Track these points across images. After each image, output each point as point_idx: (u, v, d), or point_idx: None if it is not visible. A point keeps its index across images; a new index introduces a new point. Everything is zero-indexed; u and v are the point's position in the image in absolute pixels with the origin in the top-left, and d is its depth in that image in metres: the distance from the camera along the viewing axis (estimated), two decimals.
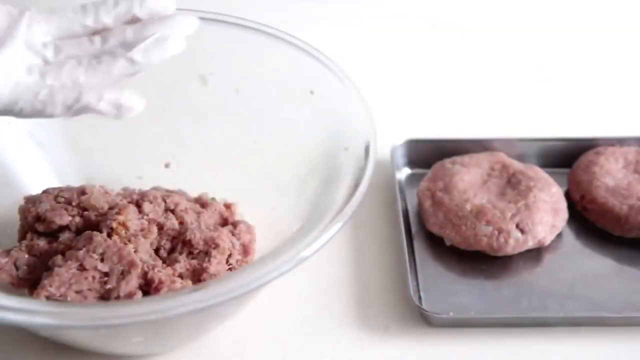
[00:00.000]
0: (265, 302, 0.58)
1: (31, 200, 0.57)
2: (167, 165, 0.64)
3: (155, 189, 0.61)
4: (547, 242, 0.64)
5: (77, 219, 0.56)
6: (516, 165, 0.68)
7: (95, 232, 0.53)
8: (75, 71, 0.45)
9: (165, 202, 0.58)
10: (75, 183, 0.60)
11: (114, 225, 0.54)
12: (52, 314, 0.43)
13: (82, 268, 0.51)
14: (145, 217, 0.56)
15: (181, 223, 0.57)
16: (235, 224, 0.59)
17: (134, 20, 0.47)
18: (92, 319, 0.44)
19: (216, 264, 0.54)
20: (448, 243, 0.64)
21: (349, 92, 0.58)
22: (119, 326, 0.46)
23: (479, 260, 0.63)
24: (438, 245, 0.65)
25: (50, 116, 0.44)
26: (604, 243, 0.66)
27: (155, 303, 0.45)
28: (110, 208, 0.56)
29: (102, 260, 0.52)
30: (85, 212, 0.56)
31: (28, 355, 0.56)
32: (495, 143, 0.72)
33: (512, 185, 0.66)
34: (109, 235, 0.54)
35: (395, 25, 0.91)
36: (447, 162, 0.69)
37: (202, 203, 0.60)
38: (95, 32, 0.47)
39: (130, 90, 0.45)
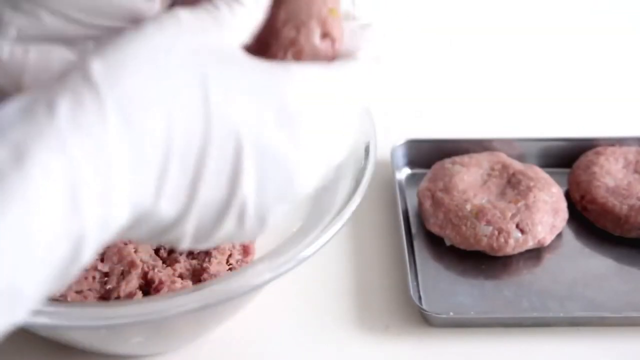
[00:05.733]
0: (266, 302, 0.58)
1: None
2: None
3: None
4: (547, 242, 0.64)
5: None
6: (516, 165, 0.68)
7: None
8: None
9: None
10: None
11: None
12: (52, 314, 0.43)
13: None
14: None
15: None
16: None
17: None
18: (92, 319, 0.44)
19: (216, 264, 0.54)
20: (448, 243, 0.64)
21: None
22: (119, 326, 0.46)
23: (479, 260, 0.63)
24: (438, 245, 0.65)
25: None
26: (604, 243, 0.66)
27: (155, 303, 0.45)
28: None
29: (102, 260, 0.52)
30: None
31: (28, 355, 0.56)
32: (495, 143, 0.72)
33: (512, 185, 0.66)
34: None
35: (395, 26, 0.91)
36: (447, 162, 0.69)
37: None
38: None
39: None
